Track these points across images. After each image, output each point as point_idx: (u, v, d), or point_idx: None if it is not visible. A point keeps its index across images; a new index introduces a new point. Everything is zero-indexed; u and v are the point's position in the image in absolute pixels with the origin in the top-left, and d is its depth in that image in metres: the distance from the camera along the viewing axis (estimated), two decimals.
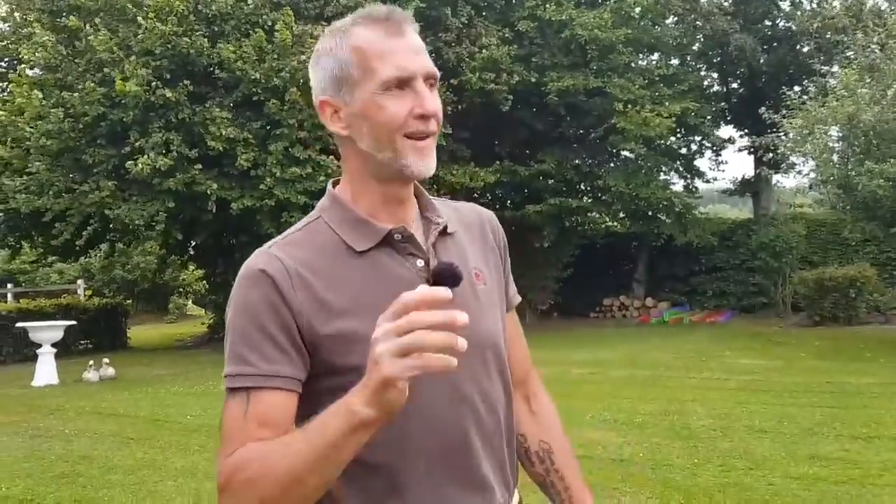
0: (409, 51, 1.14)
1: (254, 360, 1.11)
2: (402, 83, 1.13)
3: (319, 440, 0.98)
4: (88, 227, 12.91)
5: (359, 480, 1.13)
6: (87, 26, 12.85)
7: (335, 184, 1.28)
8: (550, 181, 17.76)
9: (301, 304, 1.12)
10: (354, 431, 0.96)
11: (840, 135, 12.88)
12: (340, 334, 1.12)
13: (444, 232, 1.24)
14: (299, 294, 1.12)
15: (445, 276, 1.04)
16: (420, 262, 1.19)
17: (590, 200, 18.06)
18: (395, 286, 1.03)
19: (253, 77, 12.62)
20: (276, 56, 12.82)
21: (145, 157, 12.02)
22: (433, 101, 1.14)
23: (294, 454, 1.00)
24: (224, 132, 12.38)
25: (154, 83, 12.30)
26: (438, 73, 1.18)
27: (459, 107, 16.04)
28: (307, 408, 1.10)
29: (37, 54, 12.94)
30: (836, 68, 15.69)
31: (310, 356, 1.13)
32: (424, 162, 1.15)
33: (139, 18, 12.56)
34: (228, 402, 1.13)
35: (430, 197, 1.27)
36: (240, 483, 1.04)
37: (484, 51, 15.28)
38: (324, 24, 14.07)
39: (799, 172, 16.35)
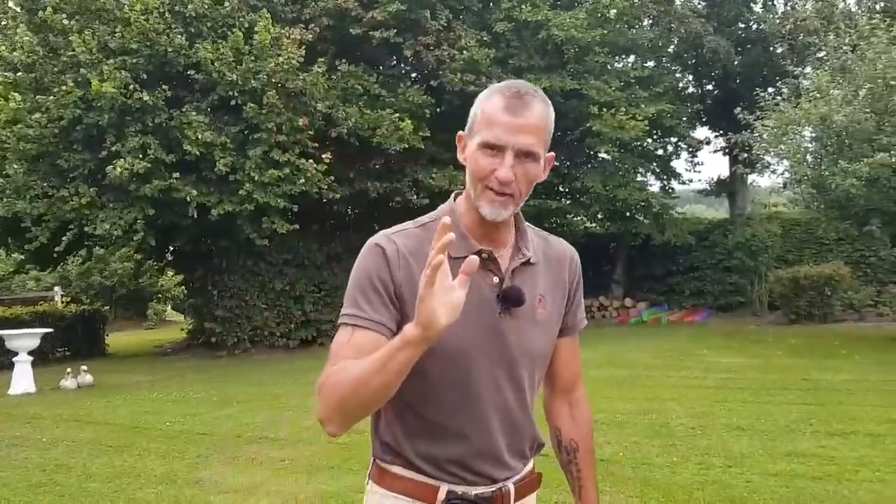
0: (512, 128, 1.46)
1: (364, 306, 1.49)
2: (496, 149, 1.46)
3: (383, 353, 1.34)
4: (67, 234, 12.75)
5: (418, 431, 1.57)
6: (66, 23, 12.68)
7: (457, 195, 1.63)
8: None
9: (401, 280, 1.50)
10: (404, 346, 1.31)
11: (813, 135, 13.04)
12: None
13: (527, 262, 1.58)
14: (402, 272, 1.50)
15: (511, 295, 1.53)
16: (496, 279, 1.55)
17: (568, 202, 18.16)
18: (472, 291, 1.36)
19: (230, 79, 12.55)
20: (253, 58, 12.76)
21: (122, 160, 11.91)
22: (509, 172, 1.46)
23: (365, 363, 1.36)
24: (201, 136, 12.29)
25: (131, 86, 12.19)
26: (539, 151, 1.49)
27: (438, 109, 16.05)
28: None
29: (14, 53, 12.77)
30: (808, 69, 15.90)
31: (399, 318, 1.49)
32: (493, 209, 1.49)
33: (117, 12, 12.41)
34: (340, 331, 1.51)
35: (529, 228, 1.64)
36: (328, 386, 1.42)
37: (465, 52, 15.32)
38: (301, 26, 14.07)
39: (773, 172, 16.53)
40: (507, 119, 1.46)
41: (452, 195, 1.63)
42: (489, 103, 1.50)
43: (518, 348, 1.56)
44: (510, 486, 1.63)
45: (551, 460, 1.84)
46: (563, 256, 1.70)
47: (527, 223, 1.65)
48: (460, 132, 1.58)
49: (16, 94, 12.38)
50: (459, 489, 1.58)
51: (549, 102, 1.56)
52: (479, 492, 1.59)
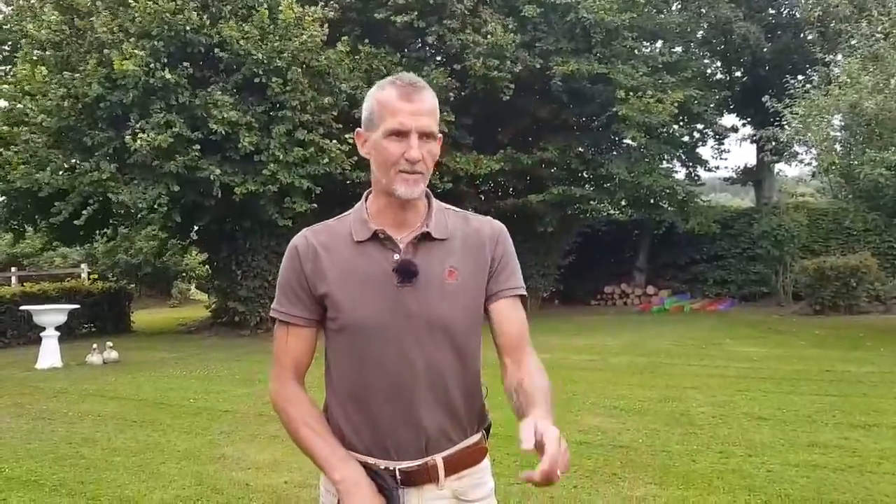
0: (411, 112, 1.61)
1: (284, 302, 1.73)
2: (401, 134, 1.61)
3: (316, 455, 1.69)
4: (88, 207, 12.88)
5: (343, 403, 1.70)
6: (90, 4, 12.80)
7: (369, 192, 1.76)
8: (553, 169, 17.75)
9: (309, 271, 1.69)
10: (324, 471, 1.68)
11: (842, 124, 12.85)
12: (330, 294, 1.67)
13: (428, 237, 1.68)
14: (310, 264, 1.69)
15: (403, 268, 1.64)
16: (396, 256, 1.66)
17: (592, 188, 18.03)
18: (372, 268, 1.65)
19: (256, 57, 12.58)
20: (277, 37, 12.78)
21: (145, 134, 12.00)
22: (417, 151, 1.61)
23: (303, 438, 1.71)
24: (226, 115, 12.35)
25: (153, 65, 12.26)
26: (436, 130, 1.65)
27: (462, 93, 15.98)
28: (326, 335, 1.73)
29: (42, 31, 12.90)
30: (839, 57, 15.65)
31: (318, 305, 1.70)
32: (408, 188, 1.63)
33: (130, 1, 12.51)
34: (276, 327, 1.76)
35: (446, 209, 1.76)
36: (281, 413, 1.76)
37: (489, 37, 15.21)
38: (323, 4, 14.05)
39: (801, 161, 16.33)
40: (407, 106, 1.61)
41: (364, 193, 1.77)
42: (384, 95, 1.64)
43: (422, 318, 1.63)
44: (438, 459, 1.67)
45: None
46: (483, 233, 1.75)
47: (448, 206, 1.80)
48: (358, 129, 1.72)
49: (43, 69, 12.50)
50: (384, 464, 1.65)
51: (434, 94, 1.70)
52: (404, 466, 1.66)
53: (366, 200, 1.75)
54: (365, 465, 1.66)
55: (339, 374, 1.71)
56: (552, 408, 1.58)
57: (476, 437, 1.77)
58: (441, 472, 1.68)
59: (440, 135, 1.69)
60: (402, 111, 1.60)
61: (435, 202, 1.75)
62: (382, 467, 1.65)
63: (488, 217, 1.81)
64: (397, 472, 1.65)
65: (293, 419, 1.71)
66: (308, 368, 1.78)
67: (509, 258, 1.78)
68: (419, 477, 1.66)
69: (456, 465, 1.70)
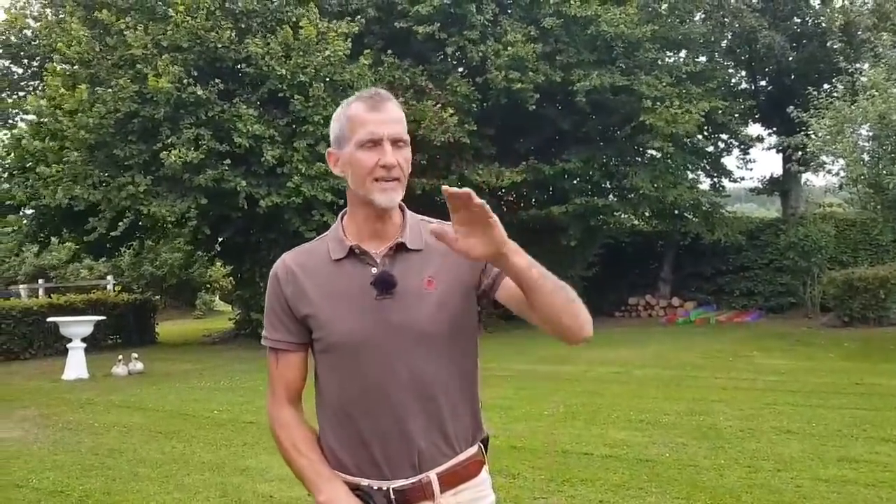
0: (380, 121, 1.62)
1: (269, 329, 1.75)
2: (373, 143, 1.61)
3: (306, 479, 1.72)
4: (123, 221, 13.04)
5: (333, 423, 1.70)
6: (120, 22, 12.99)
7: (345, 213, 1.77)
8: (576, 180, 17.71)
9: (290, 293, 1.70)
10: (310, 493, 1.71)
11: (870, 134, 12.68)
12: (312, 314, 1.68)
13: (404, 248, 1.68)
14: (290, 287, 1.71)
15: (380, 279, 1.64)
16: (374, 269, 1.66)
17: (615, 199, 17.94)
18: (351, 285, 1.65)
19: (279, 73, 12.70)
20: (301, 52, 12.90)
21: (176, 150, 12.16)
22: (391, 157, 1.61)
23: (291, 460, 1.75)
24: (251, 129, 12.47)
25: (186, 80, 12.43)
26: (407, 137, 1.65)
27: (484, 105, 15.99)
28: (314, 356, 1.74)
29: (71, 48, 13.10)
30: (865, 66, 15.46)
31: (303, 327, 1.71)
32: (387, 196, 1.63)
33: (169, 11, 12.69)
34: (268, 354, 1.77)
35: (419, 220, 1.74)
36: (274, 438, 1.77)
37: (510, 48, 15.22)
38: (348, 19, 14.15)
39: (829, 171, 16.08)
40: (375, 116, 1.62)
41: (340, 214, 1.79)
42: (351, 110, 1.66)
43: (404, 328, 1.62)
44: (432, 476, 1.65)
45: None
46: None
47: (423, 217, 1.78)
48: (329, 149, 1.72)
49: (83, 87, 12.69)
50: (376, 483, 1.64)
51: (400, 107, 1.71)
52: (398, 485, 1.64)
53: (341, 220, 1.75)
54: (358, 488, 1.65)
55: (327, 394, 1.71)
56: (545, 272, 1.53)
57: (472, 451, 1.73)
58: (436, 489, 1.65)
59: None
60: (372, 121, 1.62)
61: (409, 214, 1.75)
62: (376, 488, 1.64)
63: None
64: (391, 492, 1.64)
65: (283, 442, 1.74)
66: (302, 391, 1.78)
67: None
68: (414, 495, 1.64)
69: (452, 481, 1.67)
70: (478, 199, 1.40)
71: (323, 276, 1.68)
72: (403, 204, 1.73)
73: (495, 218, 1.43)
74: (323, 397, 1.73)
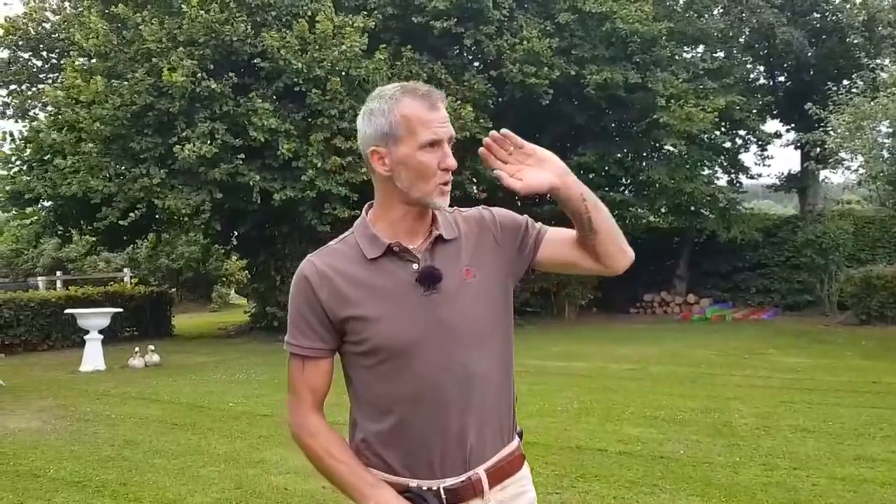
0: (441, 122, 1.59)
1: (298, 336, 1.66)
2: (434, 144, 1.58)
3: (344, 482, 1.63)
4: (135, 212, 13.12)
5: (380, 426, 1.63)
6: (137, 16, 13.06)
7: (369, 207, 1.72)
8: (591, 175, 17.62)
9: (326, 297, 1.61)
10: (353, 500, 1.62)
11: (890, 130, 12.57)
12: (354, 316, 1.60)
13: (441, 240, 1.65)
14: (325, 290, 1.62)
15: (426, 275, 1.60)
16: (415, 266, 1.62)
17: (631, 194, 17.87)
18: (393, 283, 1.60)
19: (295, 67, 12.72)
20: (317, 46, 12.91)
21: (191, 144, 12.22)
22: (453, 160, 1.60)
23: (327, 467, 1.66)
24: (266, 123, 12.50)
25: (200, 74, 12.48)
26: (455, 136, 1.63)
27: (500, 99, 15.95)
28: (346, 360, 1.68)
29: (89, 41, 13.19)
30: (886, 62, 15.31)
31: (337, 331, 1.63)
32: (445, 199, 1.62)
33: (183, 7, 12.73)
34: (291, 360, 1.70)
35: (445, 210, 1.69)
36: (302, 447, 1.71)
37: (525, 43, 15.18)
38: (364, 14, 14.14)
39: (847, 168, 15.96)
40: (434, 115, 1.59)
41: (365, 207, 1.73)
42: (406, 107, 1.59)
43: (452, 323, 1.60)
44: (481, 473, 1.63)
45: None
46: (479, 222, 1.73)
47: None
48: (374, 147, 1.62)
49: (98, 78, 12.77)
50: (426, 483, 1.60)
51: None
52: (449, 483, 1.61)
53: (366, 216, 1.70)
54: (407, 489, 1.60)
55: (373, 397, 1.64)
56: (592, 197, 1.65)
57: (514, 445, 1.72)
58: (485, 485, 1.63)
59: None
60: (434, 121, 1.58)
61: None
62: (426, 488, 1.60)
63: (471, 208, 1.78)
64: (442, 492, 1.60)
65: (316, 451, 1.67)
66: (326, 397, 1.72)
67: (515, 218, 1.77)
68: (464, 493, 1.61)
69: (498, 476, 1.66)
70: (518, 140, 1.52)
71: (361, 278, 1.62)
72: None
73: (541, 150, 1.55)
74: (364, 399, 1.66)
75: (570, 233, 1.72)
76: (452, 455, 1.60)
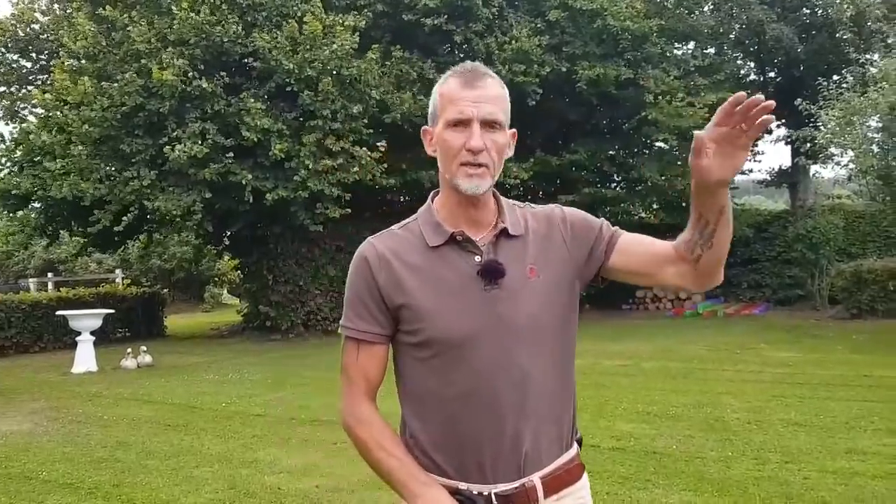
0: (473, 99, 1.50)
1: (354, 319, 1.60)
2: (461, 123, 1.51)
3: (393, 478, 1.55)
4: (127, 215, 13.08)
5: (430, 423, 1.56)
6: (125, 17, 13.01)
7: (434, 195, 1.66)
8: (583, 172, 17.67)
9: (384, 281, 1.56)
10: (402, 496, 1.54)
11: (880, 125, 12.61)
12: (407, 305, 1.54)
13: (506, 234, 1.58)
14: (383, 273, 1.56)
15: (488, 268, 1.53)
16: (478, 258, 1.55)
17: (623, 191, 17.91)
18: (454, 274, 1.53)
19: (287, 67, 12.70)
20: (308, 46, 12.89)
21: (182, 144, 12.18)
22: (478, 140, 1.49)
23: (377, 460, 1.57)
24: (258, 123, 12.48)
25: (190, 74, 12.44)
26: (502, 118, 1.53)
27: None
28: (397, 350, 1.62)
29: (78, 43, 13.13)
30: (876, 57, 15.37)
31: (393, 318, 1.57)
32: (472, 182, 1.51)
33: (173, 8, 12.69)
34: (345, 344, 1.63)
35: (511, 204, 1.65)
36: (352, 436, 1.61)
37: (514, 42, 15.19)
38: (355, 13, 14.12)
39: (838, 163, 16.01)
40: (467, 93, 1.51)
41: (430, 195, 1.67)
42: (446, 86, 1.55)
43: (513, 321, 1.52)
44: (536, 480, 1.54)
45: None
46: (549, 221, 1.65)
47: (512, 200, 1.68)
48: (424, 127, 1.62)
49: (85, 79, 12.72)
50: (476, 488, 1.52)
51: (504, 85, 1.59)
52: (501, 489, 1.52)
53: (432, 203, 1.64)
54: (457, 491, 1.53)
55: (421, 391, 1.57)
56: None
57: (573, 452, 1.64)
58: (540, 494, 1.54)
59: (511, 129, 1.59)
60: (463, 98, 1.51)
61: (503, 198, 1.65)
62: (476, 492, 1.52)
63: (545, 206, 1.71)
64: (493, 497, 1.52)
65: (366, 441, 1.58)
66: (380, 386, 1.64)
67: (587, 220, 1.67)
68: (517, 501, 1.53)
69: (555, 485, 1.57)
70: (765, 122, 1.37)
71: (420, 265, 1.55)
72: (496, 189, 1.63)
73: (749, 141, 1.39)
74: (414, 395, 1.59)
75: (651, 241, 1.64)
76: (506, 459, 1.52)
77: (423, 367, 1.55)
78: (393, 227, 1.65)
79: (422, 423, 1.58)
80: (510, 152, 1.60)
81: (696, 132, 1.41)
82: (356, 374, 1.61)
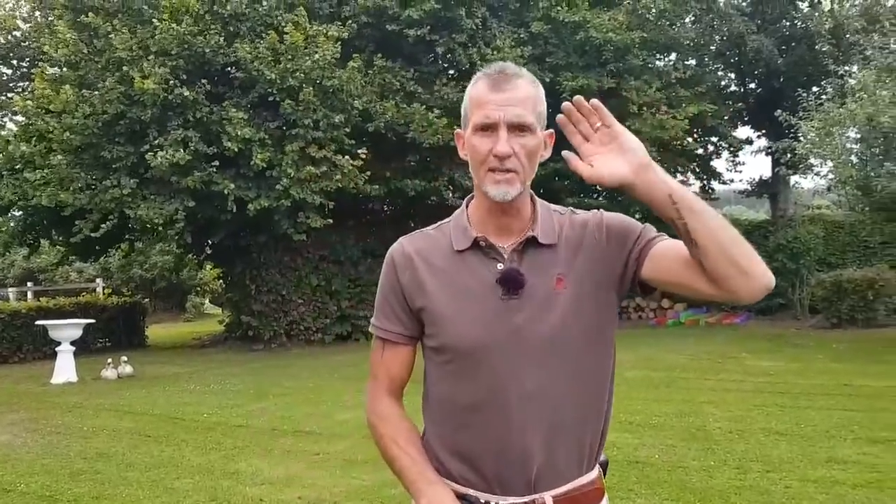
0: (500, 103, 1.45)
1: (380, 318, 1.62)
2: (487, 128, 1.46)
3: (405, 476, 1.55)
4: (106, 223, 12.99)
5: (441, 429, 1.56)
6: (108, 25, 12.96)
7: (470, 199, 1.62)
8: (566, 182, 17.73)
9: (407, 282, 1.56)
10: (410, 494, 1.54)
11: (859, 136, 12.77)
12: (427, 308, 1.54)
13: (535, 243, 1.52)
14: (407, 274, 1.56)
15: (507, 277, 1.48)
16: (500, 265, 1.51)
17: (605, 200, 17.98)
18: (473, 280, 1.50)
19: (269, 77, 12.69)
20: (290, 57, 12.89)
21: (164, 151, 12.13)
22: (505, 145, 1.44)
23: (392, 457, 1.57)
24: (240, 132, 12.45)
25: (172, 82, 12.40)
26: (532, 121, 1.47)
27: None
28: (424, 351, 1.60)
29: (59, 50, 13.06)
30: (854, 68, 15.58)
31: (416, 320, 1.57)
32: (499, 189, 1.46)
33: (154, 20, 12.66)
34: (374, 342, 1.64)
35: (552, 210, 1.59)
36: (372, 431, 1.63)
37: (497, 52, 15.27)
38: (339, 23, 14.13)
39: (817, 174, 16.19)
40: (494, 96, 1.46)
41: (466, 199, 1.65)
42: (474, 89, 1.51)
43: (531, 333, 1.47)
44: (548, 498, 1.49)
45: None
46: (586, 226, 1.56)
47: (554, 206, 1.62)
48: (457, 130, 1.60)
49: (66, 87, 12.65)
50: (484, 496, 1.49)
51: (537, 82, 1.54)
52: (509, 502, 1.49)
53: (467, 207, 1.60)
54: (464, 497, 1.51)
55: (437, 397, 1.57)
56: (696, 201, 1.38)
57: (593, 475, 1.57)
58: None
59: (547, 131, 1.54)
60: (490, 102, 1.45)
61: (540, 203, 1.58)
62: (483, 501, 1.50)
63: (586, 212, 1.62)
64: None
65: (383, 437, 1.59)
66: (405, 385, 1.64)
67: (625, 225, 1.56)
68: None
69: None
70: (608, 116, 1.36)
71: (443, 268, 1.53)
72: (534, 194, 1.58)
73: (628, 136, 1.36)
74: (432, 398, 1.59)
75: (676, 252, 1.49)
76: (513, 474, 1.48)
77: (441, 372, 1.55)
78: (428, 227, 1.64)
79: (435, 426, 1.58)
80: (546, 154, 1.55)
81: (563, 153, 1.42)
82: (380, 371, 1.63)
